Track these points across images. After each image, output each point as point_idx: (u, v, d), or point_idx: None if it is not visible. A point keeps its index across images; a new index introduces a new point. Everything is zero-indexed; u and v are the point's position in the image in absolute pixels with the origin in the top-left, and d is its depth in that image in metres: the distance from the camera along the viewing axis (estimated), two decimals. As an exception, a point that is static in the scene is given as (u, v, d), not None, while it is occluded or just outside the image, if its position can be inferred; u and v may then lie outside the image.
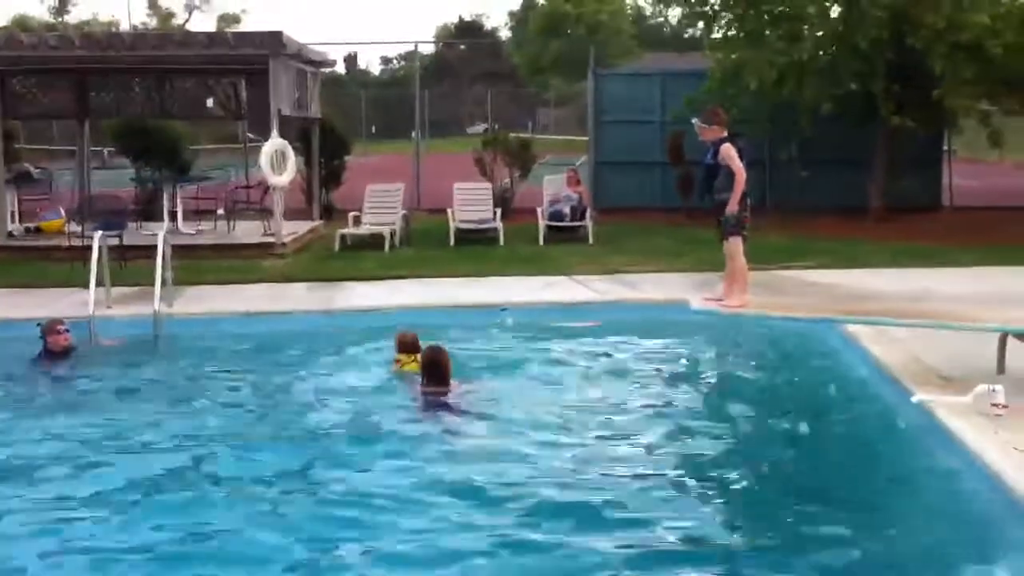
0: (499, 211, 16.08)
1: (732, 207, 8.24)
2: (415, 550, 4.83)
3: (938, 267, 12.40)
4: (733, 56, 17.40)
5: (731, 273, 8.45)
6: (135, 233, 13.65)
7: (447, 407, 7.00)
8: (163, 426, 6.91)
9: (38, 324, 8.89)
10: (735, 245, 8.37)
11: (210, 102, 18.07)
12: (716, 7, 18.21)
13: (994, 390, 6.12)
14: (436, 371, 7.07)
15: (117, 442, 6.59)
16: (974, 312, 7.78)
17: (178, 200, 16.14)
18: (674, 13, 22.02)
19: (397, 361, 7.75)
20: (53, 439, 6.62)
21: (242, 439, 6.64)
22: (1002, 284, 10.80)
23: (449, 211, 15.97)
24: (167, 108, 18.00)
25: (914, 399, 6.49)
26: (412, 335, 7.74)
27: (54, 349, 8.53)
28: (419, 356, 7.40)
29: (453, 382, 7.16)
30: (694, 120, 8.75)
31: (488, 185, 17.46)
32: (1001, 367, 6.99)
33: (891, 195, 17.76)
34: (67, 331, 8.62)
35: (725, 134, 8.61)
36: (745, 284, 8.52)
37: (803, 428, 6.72)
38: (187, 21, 62.69)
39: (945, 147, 19.78)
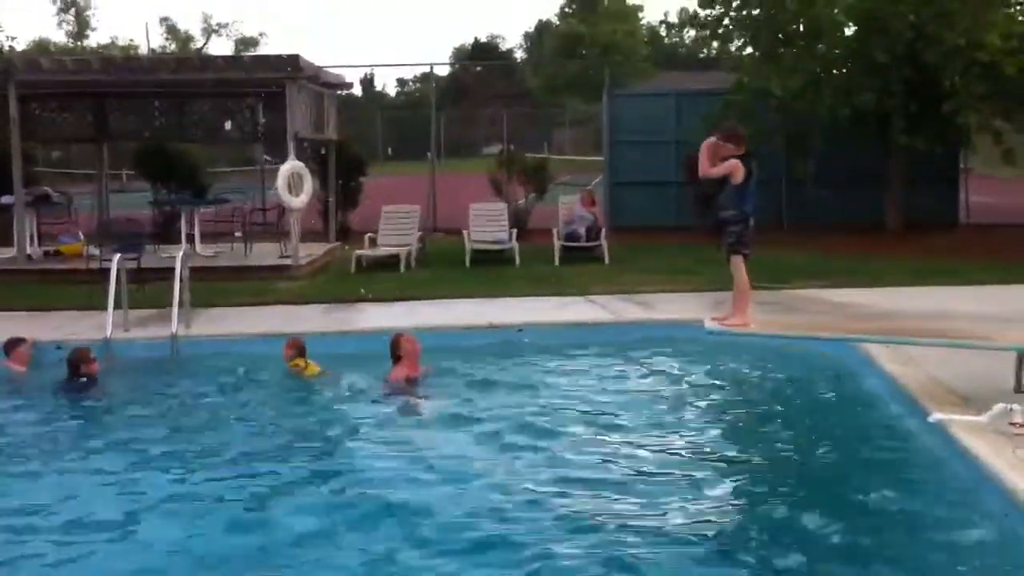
0: (515, 231, 16.13)
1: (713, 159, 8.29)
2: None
3: (955, 285, 12.36)
4: (752, 73, 17.47)
5: (735, 292, 8.46)
6: (153, 256, 13.75)
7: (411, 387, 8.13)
8: (180, 449, 6.97)
9: (58, 347, 8.94)
10: (737, 263, 8.38)
11: (228, 125, 18.20)
12: (730, 27, 18.28)
13: (1011, 409, 6.10)
14: (395, 353, 8.25)
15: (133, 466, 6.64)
16: (991, 331, 7.75)
17: (196, 223, 16.23)
18: (690, 35, 22.21)
19: (295, 364, 8.71)
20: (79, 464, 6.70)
21: (255, 459, 6.67)
22: (1019, 303, 10.73)
23: (465, 232, 16.03)
24: (185, 131, 18.16)
25: (931, 418, 6.46)
26: (301, 340, 8.93)
27: (89, 376, 8.42)
28: (306, 360, 8.70)
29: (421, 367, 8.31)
30: (712, 138, 8.69)
31: (503, 205, 17.52)
32: (1019, 386, 6.97)
33: (908, 212, 17.74)
34: (96, 358, 8.57)
35: (740, 152, 8.57)
36: (747, 303, 8.49)
37: (817, 449, 6.69)
38: (205, 45, 63.28)
39: (962, 164, 19.76)
